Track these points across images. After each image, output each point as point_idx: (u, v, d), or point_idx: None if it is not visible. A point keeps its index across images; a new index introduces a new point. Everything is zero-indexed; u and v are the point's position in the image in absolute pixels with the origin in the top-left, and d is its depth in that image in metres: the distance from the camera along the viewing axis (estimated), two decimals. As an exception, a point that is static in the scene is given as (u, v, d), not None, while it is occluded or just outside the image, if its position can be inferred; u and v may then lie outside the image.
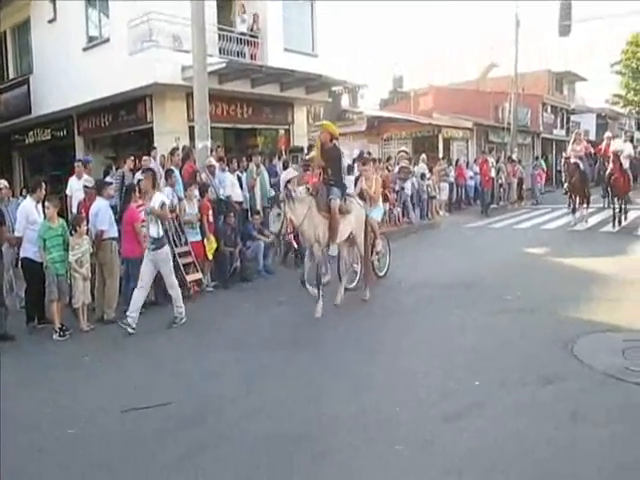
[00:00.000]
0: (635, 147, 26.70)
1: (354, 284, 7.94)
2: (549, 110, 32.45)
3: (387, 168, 14.48)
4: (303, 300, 7.49)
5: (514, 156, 21.44)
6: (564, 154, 14.87)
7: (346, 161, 9.09)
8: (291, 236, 8.26)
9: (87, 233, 6.62)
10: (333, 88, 16.58)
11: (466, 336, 5.75)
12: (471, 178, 18.80)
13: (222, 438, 3.80)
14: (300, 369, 5.08)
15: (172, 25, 11.73)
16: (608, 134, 14.65)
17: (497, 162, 19.49)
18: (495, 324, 6.12)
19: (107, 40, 13.28)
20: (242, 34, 13.49)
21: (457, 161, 18.97)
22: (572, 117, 35.04)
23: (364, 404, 4.25)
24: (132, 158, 9.06)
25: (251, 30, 13.89)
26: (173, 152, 9.15)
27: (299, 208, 6.57)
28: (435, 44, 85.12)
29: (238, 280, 8.65)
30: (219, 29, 13.28)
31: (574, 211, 13.80)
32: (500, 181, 19.00)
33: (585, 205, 13.97)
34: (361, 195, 8.08)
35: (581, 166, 13.27)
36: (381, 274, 8.59)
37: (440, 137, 22.92)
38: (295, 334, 6.24)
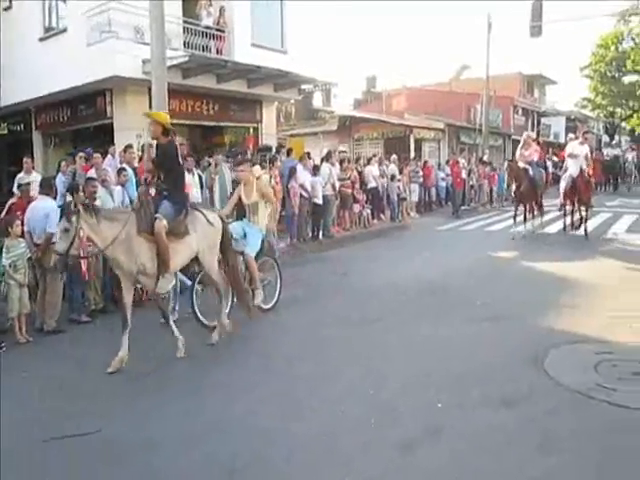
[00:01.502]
0: (600, 149, 27.09)
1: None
2: (520, 112, 32.70)
3: (357, 169, 14.16)
4: (275, 316, 7.13)
5: (485, 157, 21.38)
6: (509, 157, 13.87)
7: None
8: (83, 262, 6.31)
9: (22, 235, 6.07)
10: (303, 86, 16.22)
11: (429, 349, 5.43)
12: (442, 179, 18.64)
13: None
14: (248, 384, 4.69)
15: (133, 16, 11.19)
16: (571, 135, 14.00)
17: (468, 163, 19.40)
18: (462, 335, 5.82)
19: (64, 30, 12.65)
20: (208, 28, 13.02)
21: (425, 162, 18.81)
22: (543, 119, 35.40)
23: (311, 428, 3.89)
24: (82, 155, 8.50)
25: (217, 24, 13.43)
26: (126, 149, 8.63)
27: (106, 227, 4.98)
28: (409, 45, 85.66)
29: (203, 288, 8.15)
30: (184, 22, 12.79)
31: (524, 219, 12.44)
32: (471, 182, 18.89)
33: (536, 214, 12.95)
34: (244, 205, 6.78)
35: (530, 172, 12.24)
36: (267, 306, 6.88)
37: (412, 138, 22.79)
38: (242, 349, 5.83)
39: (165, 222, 5.17)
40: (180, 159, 5.56)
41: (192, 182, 8.83)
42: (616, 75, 37.76)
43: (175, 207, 5.36)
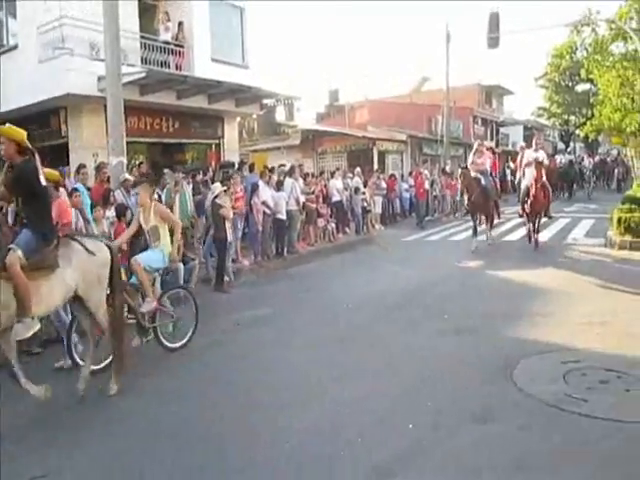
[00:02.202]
0: (552, 155, 27.64)
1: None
2: (480, 122, 33.34)
3: (321, 183, 14.08)
4: (229, 326, 6.92)
5: (447, 168, 21.65)
6: (461, 164, 13.24)
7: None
8: None
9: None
10: (265, 101, 16.13)
11: (399, 367, 5.31)
12: (406, 190, 18.77)
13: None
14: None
15: (88, 32, 10.90)
16: (521, 144, 13.60)
17: (431, 174, 19.58)
18: (431, 349, 5.75)
19: (15, 47, 12.24)
20: (166, 43, 12.81)
21: (392, 175, 18.92)
22: (501, 129, 36.18)
23: (280, 454, 3.71)
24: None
25: (176, 39, 13.23)
26: (79, 169, 8.33)
27: None
28: (370, 57, 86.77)
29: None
30: (141, 37, 12.56)
31: (474, 231, 11.97)
32: (434, 193, 19.05)
33: (489, 225, 12.51)
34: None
35: (482, 181, 11.75)
36: (176, 344, 6.11)
37: (375, 150, 22.90)
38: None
39: (20, 253, 4.28)
40: (42, 181, 4.57)
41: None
42: (569, 84, 39.04)
43: (37, 236, 4.49)
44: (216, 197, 9.21)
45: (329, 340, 6.20)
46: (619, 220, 11.80)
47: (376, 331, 6.51)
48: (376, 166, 21.66)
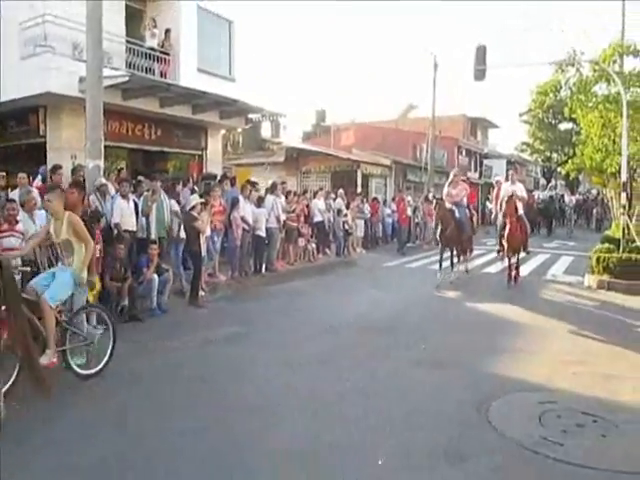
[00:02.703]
0: (531, 191, 27.87)
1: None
2: (464, 153, 33.71)
3: (304, 202, 13.91)
4: (200, 343, 6.64)
5: (430, 196, 21.69)
6: (436, 195, 12.62)
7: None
8: None
9: None
10: (251, 115, 15.99)
11: (373, 398, 5.07)
12: (388, 216, 18.72)
13: None
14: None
15: (71, 31, 10.66)
16: (498, 177, 13.29)
17: (414, 201, 19.60)
18: (407, 381, 5.54)
19: (-4, 42, 11.91)
20: (152, 49, 12.60)
21: (374, 198, 18.88)
22: (485, 161, 36.61)
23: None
24: (3, 174, 7.82)
25: (162, 46, 13.04)
26: (54, 170, 8.02)
27: None
28: (358, 82, 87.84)
29: (126, 320, 7.57)
30: (127, 41, 12.36)
31: (451, 264, 11.44)
32: (417, 220, 19.02)
33: (462, 259, 12.10)
34: None
35: (457, 214, 11.27)
36: (89, 371, 5.45)
37: (359, 173, 22.88)
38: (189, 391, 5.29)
39: None
40: None
41: (124, 207, 8.31)
42: (552, 122, 39.86)
43: None
44: (192, 209, 8.97)
45: (299, 365, 5.95)
46: (598, 259, 11.83)
47: (351, 358, 6.28)
48: (360, 189, 21.62)
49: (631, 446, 4.17)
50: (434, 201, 11.76)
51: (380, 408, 4.82)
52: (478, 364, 6.08)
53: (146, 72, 12.31)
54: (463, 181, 12.41)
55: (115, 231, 8.16)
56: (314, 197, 14.89)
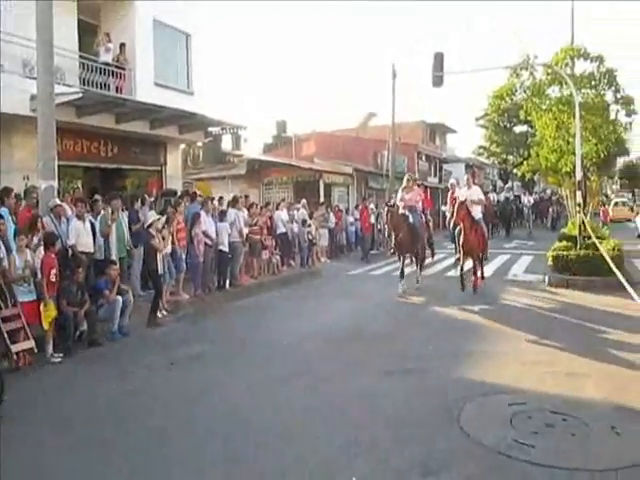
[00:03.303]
0: (486, 194, 28.46)
1: None
2: (424, 159, 34.17)
3: (267, 214, 13.81)
4: (160, 366, 6.43)
5: (392, 202, 21.83)
6: (388, 202, 12.25)
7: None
8: None
9: None
10: (211, 129, 15.82)
11: (344, 410, 5.03)
12: (351, 224, 18.77)
13: None
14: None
15: (21, 48, 10.32)
16: (452, 181, 13.06)
17: (377, 208, 19.69)
18: (377, 391, 5.51)
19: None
20: (106, 64, 12.33)
21: (337, 207, 18.92)
22: (444, 166, 37.21)
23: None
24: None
25: (117, 61, 12.78)
26: (7, 192, 7.70)
27: None
28: (318, 91, 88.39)
29: (85, 346, 7.28)
30: (80, 57, 12.06)
31: (401, 274, 11.00)
32: (379, 227, 19.13)
33: (419, 266, 11.64)
34: None
35: (410, 219, 10.89)
36: None
37: (321, 182, 22.91)
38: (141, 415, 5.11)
39: None
40: None
41: (80, 228, 8.05)
42: (508, 125, 40.89)
43: None
44: (149, 227, 8.77)
45: (269, 382, 5.84)
46: (556, 258, 12.12)
47: (319, 371, 6.22)
48: (322, 198, 21.64)
49: (600, 443, 4.23)
50: (385, 208, 11.37)
51: (351, 422, 4.76)
52: (446, 369, 6.11)
53: (101, 88, 12.02)
54: (417, 186, 12.26)
55: (71, 253, 7.89)
56: (277, 208, 14.81)
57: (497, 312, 9.21)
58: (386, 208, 11.21)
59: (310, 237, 15.15)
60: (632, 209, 33.13)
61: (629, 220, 29.32)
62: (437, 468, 3.86)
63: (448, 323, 8.64)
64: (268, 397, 5.40)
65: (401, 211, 10.98)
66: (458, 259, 11.67)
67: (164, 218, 9.33)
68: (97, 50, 12.60)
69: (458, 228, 10.94)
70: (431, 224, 12.64)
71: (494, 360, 6.47)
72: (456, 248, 11.35)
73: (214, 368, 6.44)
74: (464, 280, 10.64)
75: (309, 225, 15.24)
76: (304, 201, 16.49)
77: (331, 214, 17.52)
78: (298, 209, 15.59)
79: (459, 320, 8.76)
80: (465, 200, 10.69)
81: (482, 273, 11.36)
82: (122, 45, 13.01)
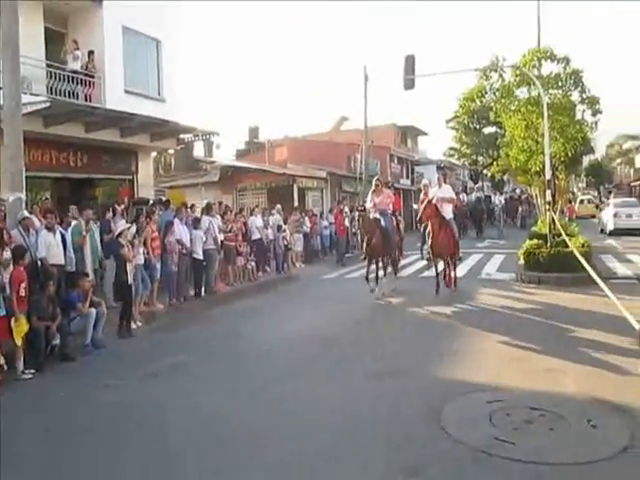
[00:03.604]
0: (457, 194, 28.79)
1: None
2: (396, 161, 34.47)
3: (241, 220, 13.73)
4: (136, 379, 6.32)
5: (363, 206, 21.90)
6: (358, 205, 11.86)
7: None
8: None
9: None
10: (183, 136, 15.67)
11: (326, 415, 5.01)
12: (326, 228, 18.80)
13: None
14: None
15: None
16: (425, 181, 12.90)
17: (351, 211, 19.74)
18: (358, 394, 5.51)
19: None
20: (75, 72, 12.11)
21: (311, 211, 18.94)
22: (416, 168, 37.58)
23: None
24: None
25: (86, 68, 12.58)
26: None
27: None
28: (290, 96, 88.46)
29: (58, 361, 7.09)
30: (47, 65, 11.84)
31: (376, 278, 10.79)
32: (354, 230, 19.15)
33: (387, 271, 11.40)
34: None
35: (383, 222, 10.71)
36: None
37: (295, 187, 22.91)
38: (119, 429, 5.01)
39: None
40: None
41: (50, 240, 7.88)
42: (477, 127, 41.60)
43: None
44: (119, 236, 8.63)
45: (250, 391, 5.79)
46: (528, 255, 12.34)
47: (300, 377, 6.20)
48: (296, 203, 21.62)
49: (578, 437, 4.30)
50: (356, 213, 11.09)
51: (333, 425, 4.75)
52: (425, 370, 6.15)
53: (69, 96, 11.81)
54: (387, 188, 12.08)
55: (41, 266, 7.71)
56: (251, 214, 14.75)
57: (473, 311, 9.33)
58: (357, 213, 10.96)
59: (285, 242, 15.12)
60: (597, 206, 34.00)
61: (593, 217, 30.12)
62: (420, 469, 3.88)
63: (425, 324, 8.69)
64: (248, 406, 5.34)
65: (373, 215, 10.76)
66: (429, 259, 11.54)
67: (134, 227, 9.20)
68: (65, 58, 12.38)
69: (428, 229, 10.77)
70: (402, 225, 12.55)
71: (471, 359, 6.54)
72: (422, 248, 11.20)
73: (192, 379, 6.34)
74: (439, 282, 10.64)
75: (284, 230, 15.21)
76: (279, 206, 16.46)
77: (306, 219, 17.52)
78: (273, 214, 15.56)
79: (436, 320, 8.83)
80: (434, 198, 10.56)
81: (454, 275, 11.21)
82: (91, 52, 12.81)
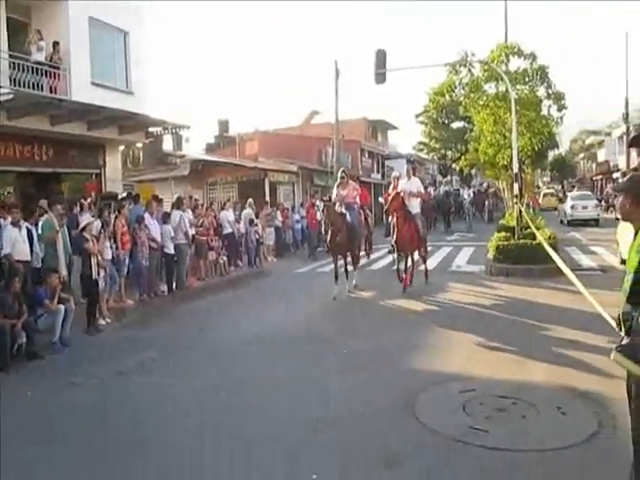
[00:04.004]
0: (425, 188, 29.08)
1: None
2: (367, 155, 34.63)
3: (212, 215, 13.60)
4: (106, 376, 6.22)
5: (328, 196, 21.93)
6: (324, 198, 11.41)
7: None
8: None
9: None
10: (152, 129, 15.40)
11: (300, 409, 5.02)
12: (298, 222, 18.77)
13: None
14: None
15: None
16: (395, 173, 12.69)
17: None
18: (332, 388, 5.53)
19: None
20: (39, 63, 11.75)
21: (281, 205, 18.90)
22: (387, 162, 37.82)
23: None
24: None
25: (50, 60, 12.22)
26: None
27: None
28: (260, 89, 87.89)
29: (24, 360, 6.88)
30: (10, 56, 11.45)
31: (335, 277, 10.29)
32: (319, 219, 19.14)
33: (352, 268, 10.81)
34: None
35: (348, 217, 10.30)
36: None
37: (267, 181, 22.80)
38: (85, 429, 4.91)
39: None
40: None
41: (16, 236, 7.66)
42: (446, 121, 42.07)
43: None
44: (83, 230, 8.46)
45: (220, 386, 5.74)
46: (497, 248, 12.57)
47: (272, 371, 6.18)
48: (268, 197, 21.53)
49: (548, 424, 4.41)
50: (321, 204, 10.67)
51: (306, 420, 4.76)
52: (399, 361, 6.22)
53: (34, 88, 11.46)
54: (356, 180, 11.90)
55: (7, 263, 7.51)
56: (222, 209, 14.62)
57: (444, 304, 9.45)
58: (322, 203, 10.57)
59: (257, 236, 15.05)
60: (560, 200, 34.95)
61: (555, 209, 31.26)
62: (397, 459, 3.93)
63: (397, 317, 8.77)
64: (220, 402, 5.31)
65: (338, 209, 10.35)
66: (390, 251, 11.32)
67: (98, 222, 9.03)
68: (29, 49, 12.00)
69: (392, 221, 10.54)
70: (370, 220, 12.40)
71: (443, 350, 6.63)
72: (392, 246, 10.79)
73: (162, 375, 6.25)
74: (401, 277, 10.43)
75: (256, 224, 15.14)
76: (251, 200, 16.36)
77: (277, 213, 17.46)
78: (246, 208, 15.46)
79: (408, 313, 8.91)
80: (401, 191, 10.36)
81: (425, 268, 11.18)
82: (56, 43, 12.43)
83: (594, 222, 24.15)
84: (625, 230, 15.50)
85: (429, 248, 12.29)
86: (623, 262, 15.25)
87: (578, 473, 3.69)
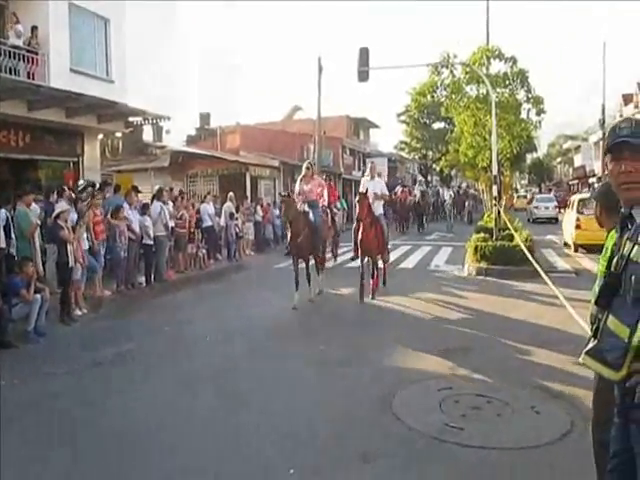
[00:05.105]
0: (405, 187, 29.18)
1: None
2: (348, 152, 34.71)
3: (192, 205, 13.49)
4: (81, 367, 6.13)
5: (286, 192, 21.92)
6: (283, 193, 10.46)
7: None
8: None
9: None
10: (132, 119, 15.19)
11: (277, 404, 5.01)
12: (278, 217, 18.69)
13: None
14: None
15: None
16: (367, 174, 11.23)
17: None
18: (310, 383, 5.55)
19: None
20: (16, 47, 11.51)
21: (261, 200, 18.84)
22: (368, 160, 37.92)
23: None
24: None
25: (28, 44, 11.97)
26: None
27: None
28: (243, 83, 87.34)
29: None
30: (-15, 39, 11.22)
31: (296, 282, 9.10)
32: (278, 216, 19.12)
33: (317, 270, 9.82)
34: None
35: (311, 216, 9.24)
36: None
37: (248, 175, 22.69)
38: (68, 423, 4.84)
39: None
40: None
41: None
42: (427, 122, 42.39)
43: None
44: (57, 217, 8.33)
45: (196, 379, 5.70)
46: (475, 248, 12.72)
47: (249, 365, 6.15)
48: (249, 191, 21.43)
49: (523, 422, 4.48)
50: (279, 198, 9.56)
51: (283, 415, 4.75)
52: (376, 359, 6.25)
53: (10, 73, 11.22)
54: (318, 175, 10.70)
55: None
56: (202, 201, 14.51)
57: (421, 301, 9.51)
58: (280, 198, 9.52)
59: (237, 230, 14.98)
60: (530, 201, 35.89)
61: (525, 209, 33.37)
62: (375, 455, 3.95)
63: (375, 313, 8.82)
64: (195, 394, 5.26)
65: (300, 207, 9.21)
66: (353, 258, 10.39)
67: (72, 209, 8.89)
68: (6, 33, 11.74)
69: (356, 223, 9.69)
70: (338, 219, 11.86)
71: (421, 348, 6.64)
72: (354, 248, 9.93)
73: (139, 368, 6.18)
74: (364, 284, 9.52)
75: (236, 218, 15.06)
76: (231, 194, 16.26)
77: (258, 207, 17.40)
78: (225, 202, 15.37)
79: (384, 311, 8.95)
80: (367, 192, 9.60)
81: (384, 276, 10.47)
82: (34, 28, 12.20)
83: (555, 220, 28.09)
84: (566, 223, 15.96)
85: (407, 247, 12.36)
86: (565, 244, 16.43)
87: (550, 470, 3.76)
